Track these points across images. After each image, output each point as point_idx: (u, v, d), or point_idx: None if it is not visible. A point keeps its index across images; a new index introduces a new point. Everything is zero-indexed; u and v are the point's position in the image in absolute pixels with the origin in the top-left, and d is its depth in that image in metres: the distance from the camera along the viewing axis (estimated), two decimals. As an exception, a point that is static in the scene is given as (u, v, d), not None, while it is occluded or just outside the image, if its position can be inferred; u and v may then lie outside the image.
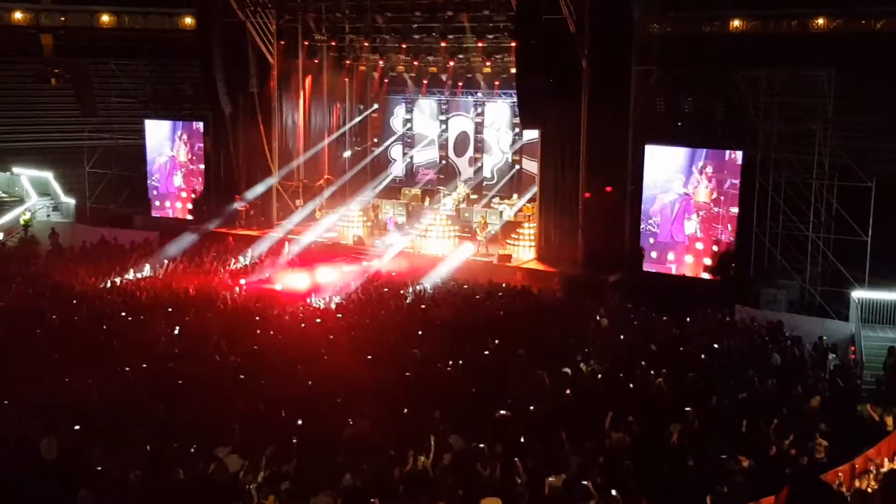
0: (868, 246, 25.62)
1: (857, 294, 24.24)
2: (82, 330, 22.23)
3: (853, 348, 22.50)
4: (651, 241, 29.22)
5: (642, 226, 29.18)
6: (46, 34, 52.33)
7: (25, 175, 41.36)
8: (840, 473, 14.05)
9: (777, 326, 23.46)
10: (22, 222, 37.95)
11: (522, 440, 15.17)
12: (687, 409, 16.57)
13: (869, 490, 13.15)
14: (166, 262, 30.48)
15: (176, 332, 22.45)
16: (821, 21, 40.54)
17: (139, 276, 28.51)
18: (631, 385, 18.40)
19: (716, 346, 21.80)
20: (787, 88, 27.37)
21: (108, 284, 27.31)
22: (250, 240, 34.56)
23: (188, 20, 48.88)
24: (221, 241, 34.13)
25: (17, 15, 52.84)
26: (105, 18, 54.31)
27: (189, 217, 38.07)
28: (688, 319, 24.39)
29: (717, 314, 25.20)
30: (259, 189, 36.84)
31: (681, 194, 28.53)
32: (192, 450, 14.63)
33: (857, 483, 14.07)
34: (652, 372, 19.06)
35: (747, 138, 27.96)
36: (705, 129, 28.84)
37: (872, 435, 16.03)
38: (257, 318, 23.92)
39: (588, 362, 20.02)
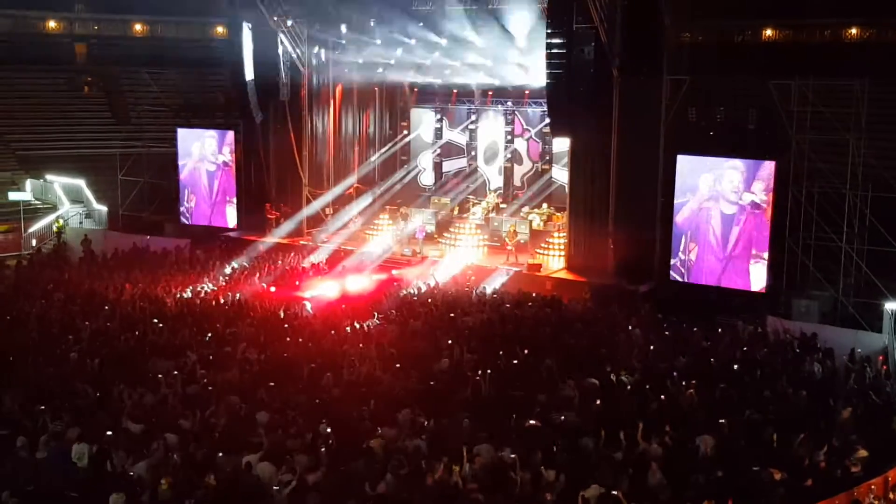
0: (902, 257, 25.34)
1: (891, 305, 23.91)
2: (114, 336, 22.36)
3: (882, 358, 22.20)
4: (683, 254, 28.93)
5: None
6: (80, 43, 52.97)
7: (58, 182, 41.75)
8: (873, 486, 13.88)
9: (810, 338, 23.21)
10: (55, 229, 38.33)
11: (553, 450, 15.07)
12: (720, 420, 16.41)
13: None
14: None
15: (206, 339, 22.54)
16: (854, 31, 40.25)
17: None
18: (662, 396, 18.25)
19: (747, 357, 21.61)
20: (820, 98, 27.11)
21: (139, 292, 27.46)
22: (280, 248, 34.69)
23: (220, 29, 49.32)
24: (252, 248, 34.26)
25: (51, 24, 53.49)
26: (138, 27, 54.87)
27: (221, 224, 38.21)
28: (719, 330, 24.20)
29: (749, 325, 24.98)
30: (293, 198, 37.01)
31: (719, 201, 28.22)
32: (222, 456, 14.66)
33: (891, 496, 13.89)
34: (683, 383, 18.90)
35: (780, 148, 27.71)
36: (737, 138, 28.62)
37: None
38: (286, 325, 23.98)
39: (618, 373, 19.91)
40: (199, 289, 28.34)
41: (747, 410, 17.29)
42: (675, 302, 27.07)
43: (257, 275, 30.44)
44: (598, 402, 17.58)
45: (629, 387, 19.02)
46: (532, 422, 16.53)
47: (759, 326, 24.99)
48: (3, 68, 48.28)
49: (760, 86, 28.76)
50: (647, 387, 18.75)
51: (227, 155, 37.92)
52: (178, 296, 27.20)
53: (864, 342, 23.27)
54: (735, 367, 20.59)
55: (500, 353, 21.10)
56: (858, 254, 26.36)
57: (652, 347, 22.21)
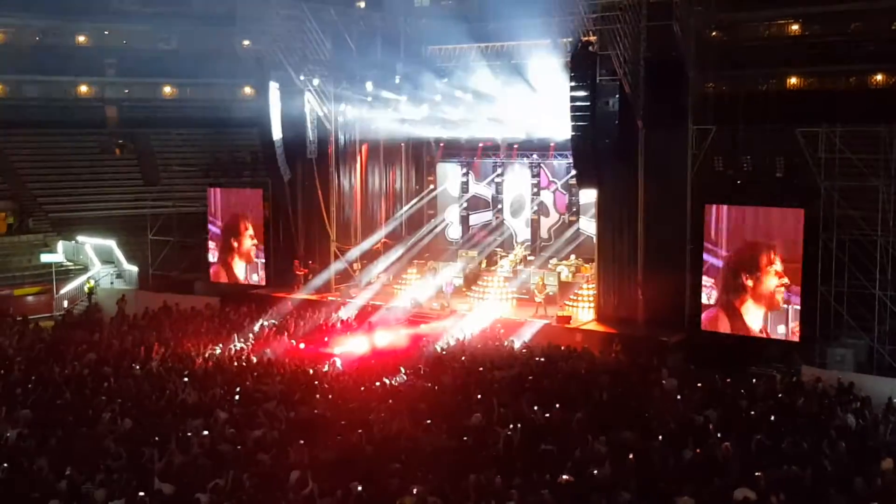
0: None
1: (928, 352, 23.65)
2: (144, 397, 22.40)
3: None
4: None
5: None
6: (111, 106, 53.90)
7: (89, 243, 42.25)
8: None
9: (847, 388, 22.87)
10: (86, 290, 38.68)
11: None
12: (756, 473, 16.13)
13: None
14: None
15: (236, 397, 22.53)
16: (879, 77, 40.17)
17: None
18: (697, 450, 17.99)
19: (783, 407, 21.30)
20: (847, 144, 27.00)
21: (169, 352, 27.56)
22: (309, 304, 34.77)
23: (247, 90, 50.03)
24: (281, 305, 34.37)
25: (83, 88, 54.56)
26: (167, 90, 55.84)
27: (249, 282, 38.37)
28: (754, 381, 23.91)
29: (783, 375, 24.68)
30: (321, 254, 37.18)
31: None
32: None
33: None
34: (719, 434, 18.63)
35: (809, 196, 27.57)
36: (765, 187, 28.53)
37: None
38: (316, 382, 23.94)
39: (651, 425, 19.67)
40: (228, 347, 28.40)
41: (784, 464, 16.99)
42: (708, 352, 26.80)
43: (286, 332, 30.48)
44: (631, 456, 17.33)
45: (660, 438, 18.74)
46: (565, 477, 16.32)
47: (794, 376, 24.69)
48: (36, 132, 49.28)
49: (787, 134, 28.71)
50: (684, 439, 18.49)
51: (257, 213, 38.17)
52: (208, 354, 27.28)
53: (901, 390, 22.93)
54: (771, 418, 20.28)
55: (532, 407, 20.93)
56: (893, 300, 26.05)
57: (684, 399, 21.95)
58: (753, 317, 27.98)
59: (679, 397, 22.07)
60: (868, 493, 15.43)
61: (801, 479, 16.27)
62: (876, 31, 40.66)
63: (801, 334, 27.14)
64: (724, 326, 28.43)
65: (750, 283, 27.90)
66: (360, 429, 19.17)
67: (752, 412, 20.95)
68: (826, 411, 21.22)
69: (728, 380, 23.74)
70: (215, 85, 54.37)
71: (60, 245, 43.24)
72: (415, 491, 15.52)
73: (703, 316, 28.75)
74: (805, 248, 27.00)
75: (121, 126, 52.88)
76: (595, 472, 16.69)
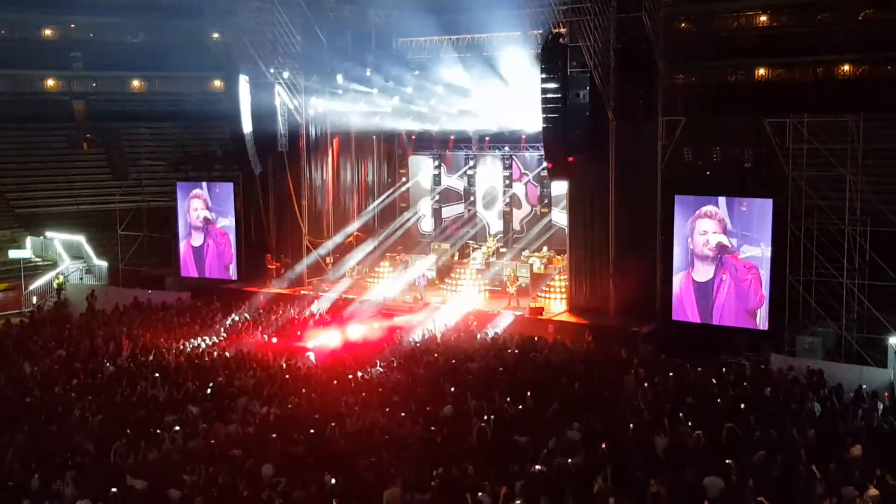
0: (904, 291, 25.31)
1: (895, 340, 23.90)
2: (115, 392, 22.27)
3: (887, 394, 22.09)
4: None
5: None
6: (78, 100, 53.41)
7: (58, 239, 41.89)
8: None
9: (817, 375, 23.12)
10: (55, 285, 38.36)
11: (560, 494, 14.93)
12: (727, 461, 16.28)
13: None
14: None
15: (208, 392, 22.45)
16: (846, 67, 40.58)
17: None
18: (668, 438, 18.13)
19: (753, 396, 21.50)
20: (815, 134, 27.24)
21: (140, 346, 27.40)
22: (281, 298, 34.67)
23: (217, 82, 49.78)
24: (253, 299, 34.25)
25: (50, 82, 54.02)
26: (135, 83, 55.40)
27: (220, 276, 38.20)
28: (723, 370, 24.10)
29: (753, 363, 24.90)
30: (293, 248, 37.07)
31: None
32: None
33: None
34: (690, 423, 18.78)
35: (777, 186, 27.80)
36: (734, 177, 28.73)
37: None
38: (289, 376, 23.89)
39: (623, 415, 19.80)
40: (199, 342, 28.27)
41: (755, 451, 17.16)
42: (678, 342, 27.00)
43: (259, 326, 30.38)
44: (605, 445, 17.43)
45: (631, 427, 18.86)
46: (538, 467, 16.40)
47: (763, 365, 24.91)
48: (2, 126, 48.67)
49: (755, 124, 28.92)
50: (655, 428, 18.62)
51: (227, 207, 37.98)
52: (180, 349, 27.15)
53: (869, 377, 23.22)
54: (741, 406, 20.46)
55: (505, 398, 21.01)
56: (860, 289, 26.34)
57: (655, 388, 22.11)
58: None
59: (651, 387, 22.20)
60: (840, 478, 15.60)
61: (771, 466, 16.43)
62: (843, 22, 41.10)
63: (770, 323, 27.39)
64: (694, 316, 28.65)
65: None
66: (334, 422, 19.18)
67: (723, 400, 21.12)
68: (796, 399, 21.43)
69: (699, 369, 23.91)
70: (184, 78, 54.08)
71: (28, 241, 42.83)
72: (397, 483, 15.56)
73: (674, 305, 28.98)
74: (773, 237, 27.21)
75: (89, 120, 52.39)
76: (568, 461, 16.79)
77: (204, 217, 38.28)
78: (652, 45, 29.16)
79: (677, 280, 28.87)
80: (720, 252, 28.07)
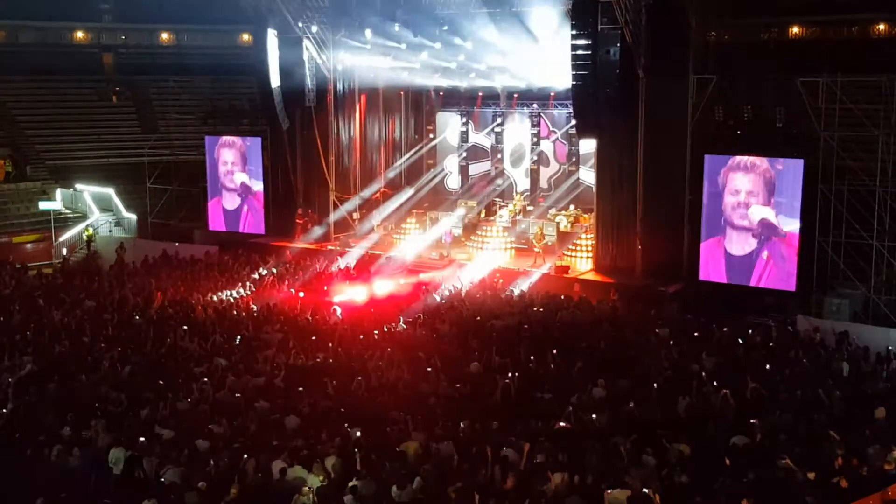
0: (933, 253, 25.09)
1: (923, 302, 23.78)
2: (144, 344, 22.54)
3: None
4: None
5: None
6: (107, 53, 53.45)
7: (87, 191, 42.20)
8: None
9: (842, 337, 23.01)
10: (84, 238, 38.72)
11: (583, 452, 15.02)
12: (752, 421, 16.30)
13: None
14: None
15: (236, 345, 22.68)
16: (882, 27, 39.84)
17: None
18: (691, 397, 18.15)
19: (778, 356, 21.46)
20: (848, 94, 26.86)
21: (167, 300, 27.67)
22: (308, 253, 34.83)
23: (245, 36, 49.63)
24: (280, 254, 34.44)
25: (79, 34, 54.10)
26: (164, 36, 55.35)
27: (248, 230, 38.40)
28: (750, 330, 24.03)
29: (779, 324, 24.81)
30: (320, 204, 37.18)
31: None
32: (250, 461, 14.71)
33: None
34: (715, 383, 18.79)
35: (808, 146, 27.49)
36: (765, 137, 28.43)
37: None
38: (315, 330, 24.05)
39: (648, 374, 19.83)
40: (227, 295, 28.50)
41: (778, 411, 17.16)
42: (705, 302, 26.93)
43: (286, 280, 30.57)
44: (632, 404, 17.48)
45: (656, 386, 18.88)
46: (562, 424, 16.50)
47: (789, 326, 24.82)
48: (31, 79, 48.89)
49: (788, 84, 28.53)
50: (680, 387, 18.65)
51: (255, 161, 38.08)
52: (208, 302, 27.38)
53: (896, 340, 23.09)
54: (766, 366, 20.43)
55: (530, 356, 21.08)
56: (889, 251, 26.11)
57: (680, 348, 22.11)
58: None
59: (676, 346, 22.21)
60: (864, 439, 15.60)
61: (796, 426, 16.44)
62: (879, -20, 40.28)
63: (798, 284, 27.23)
64: (721, 276, 28.50)
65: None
66: (359, 376, 19.34)
67: (748, 360, 21.09)
68: (821, 360, 21.37)
69: (724, 329, 23.87)
70: (213, 31, 53.93)
71: (59, 193, 43.16)
72: (420, 436, 15.70)
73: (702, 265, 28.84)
74: (803, 198, 26.97)
75: (117, 73, 52.47)
76: (592, 418, 16.87)
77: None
78: (684, 2, 28.78)
79: (706, 247, 28.61)
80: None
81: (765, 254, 27.68)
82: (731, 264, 28.26)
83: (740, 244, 28.11)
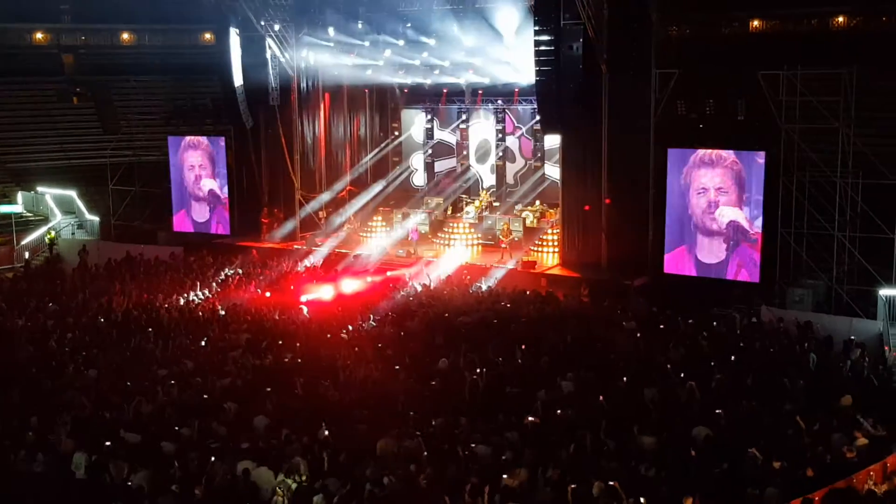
0: (894, 243, 25.37)
1: (885, 292, 24.02)
2: (109, 347, 22.33)
3: (887, 348, 22.25)
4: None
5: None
6: (67, 54, 52.86)
7: (49, 194, 41.73)
8: (872, 473, 13.86)
9: (805, 327, 23.25)
10: (46, 241, 38.28)
11: (551, 446, 15.07)
12: (717, 411, 16.43)
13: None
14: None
15: (202, 346, 22.52)
16: (841, 19, 40.29)
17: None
18: (658, 389, 18.27)
19: (743, 347, 21.65)
20: (808, 87, 27.15)
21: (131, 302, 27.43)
22: (274, 252, 34.67)
23: (207, 35, 49.29)
24: (246, 254, 34.23)
25: (39, 35, 53.43)
26: (125, 36, 54.80)
27: (214, 231, 38.15)
28: (714, 322, 24.22)
29: (743, 315, 25.02)
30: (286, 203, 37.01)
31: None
32: (217, 463, 14.62)
33: (889, 482, 13.86)
34: (681, 375, 18.92)
35: (770, 138, 27.75)
36: (728, 130, 28.65)
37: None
38: (282, 330, 23.95)
39: (615, 367, 19.93)
40: (193, 296, 28.30)
41: (744, 401, 17.30)
42: (670, 295, 27.09)
43: (252, 280, 30.40)
44: (597, 397, 17.56)
45: (625, 379, 18.98)
46: (531, 418, 16.54)
47: (753, 317, 25.04)
48: (-9, 81, 48.24)
49: (749, 77, 28.78)
50: (646, 380, 18.76)
51: (218, 161, 37.82)
52: (173, 304, 27.17)
53: (859, 329, 23.34)
54: (731, 358, 20.59)
55: (497, 351, 21.11)
56: (851, 241, 26.43)
57: (646, 341, 22.23)
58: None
59: (642, 339, 22.32)
60: (829, 427, 15.77)
61: (761, 416, 16.59)
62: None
63: (762, 276, 27.48)
64: (688, 270, 28.71)
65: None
66: (327, 375, 19.28)
67: (712, 352, 21.25)
68: (786, 350, 21.58)
69: (689, 321, 24.03)
70: (174, 31, 53.43)
71: (20, 196, 42.68)
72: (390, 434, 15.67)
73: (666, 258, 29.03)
74: (766, 190, 27.21)
75: (78, 74, 51.90)
76: (560, 412, 16.93)
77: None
78: (645, -3, 28.95)
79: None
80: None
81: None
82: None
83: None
